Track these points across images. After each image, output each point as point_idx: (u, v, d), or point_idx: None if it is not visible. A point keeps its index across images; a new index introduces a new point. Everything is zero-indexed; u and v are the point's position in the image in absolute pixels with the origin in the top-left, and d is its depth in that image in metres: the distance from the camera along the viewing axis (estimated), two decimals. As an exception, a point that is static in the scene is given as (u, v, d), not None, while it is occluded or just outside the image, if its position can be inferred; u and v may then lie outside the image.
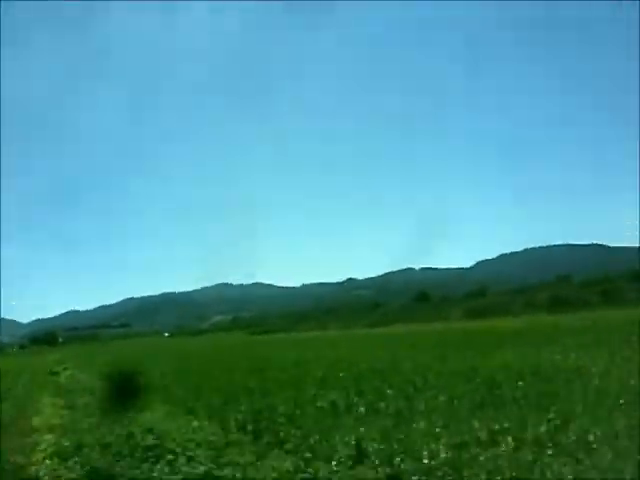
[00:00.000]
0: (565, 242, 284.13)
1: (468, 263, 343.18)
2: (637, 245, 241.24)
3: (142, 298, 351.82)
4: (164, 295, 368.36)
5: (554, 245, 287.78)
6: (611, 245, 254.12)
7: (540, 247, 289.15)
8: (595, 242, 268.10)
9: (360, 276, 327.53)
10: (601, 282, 74.75)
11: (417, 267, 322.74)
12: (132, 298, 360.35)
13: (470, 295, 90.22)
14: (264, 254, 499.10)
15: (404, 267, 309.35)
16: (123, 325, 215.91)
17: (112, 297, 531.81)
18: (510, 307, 71.63)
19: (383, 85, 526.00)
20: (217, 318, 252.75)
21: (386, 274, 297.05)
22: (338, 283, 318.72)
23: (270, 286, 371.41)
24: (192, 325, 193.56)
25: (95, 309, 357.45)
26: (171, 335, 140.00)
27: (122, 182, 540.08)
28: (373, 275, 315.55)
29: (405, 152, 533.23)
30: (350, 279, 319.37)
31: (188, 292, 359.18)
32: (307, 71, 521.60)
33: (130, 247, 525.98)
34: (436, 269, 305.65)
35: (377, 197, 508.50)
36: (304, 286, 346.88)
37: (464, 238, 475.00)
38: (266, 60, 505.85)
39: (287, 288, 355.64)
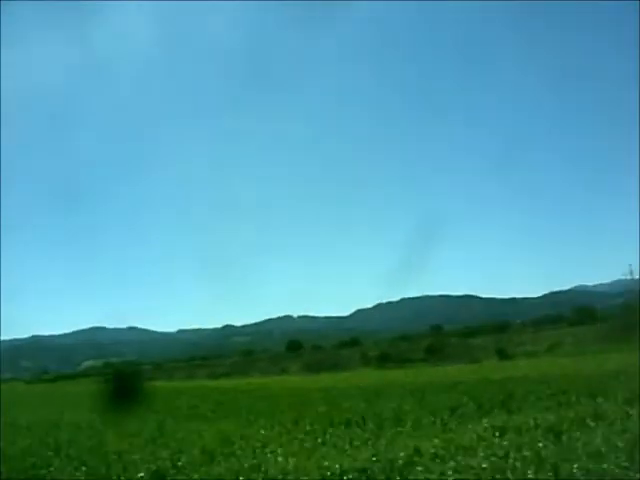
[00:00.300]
0: (439, 293, 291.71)
1: (346, 312, 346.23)
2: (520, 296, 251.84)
3: (9, 341, 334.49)
4: (33, 338, 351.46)
5: (428, 295, 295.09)
6: (482, 296, 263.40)
7: (416, 297, 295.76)
8: (469, 293, 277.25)
9: (238, 323, 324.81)
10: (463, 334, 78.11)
11: (295, 315, 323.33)
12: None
13: (342, 344, 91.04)
14: (141, 298, 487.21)
15: (282, 314, 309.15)
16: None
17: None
18: (349, 361, 73.71)
19: (383, 84, 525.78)
20: (88, 363, 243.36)
21: (264, 321, 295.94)
22: (216, 329, 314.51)
23: (146, 331, 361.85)
24: (59, 371, 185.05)
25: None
26: (29, 382, 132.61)
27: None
28: (251, 322, 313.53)
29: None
30: (228, 325, 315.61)
31: (58, 335, 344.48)
32: (307, 71, 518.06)
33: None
34: (314, 317, 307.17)
35: (264, 242, 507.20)
36: (180, 331, 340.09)
37: (343, 287, 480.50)
38: (266, 60, 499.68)
39: (163, 333, 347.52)
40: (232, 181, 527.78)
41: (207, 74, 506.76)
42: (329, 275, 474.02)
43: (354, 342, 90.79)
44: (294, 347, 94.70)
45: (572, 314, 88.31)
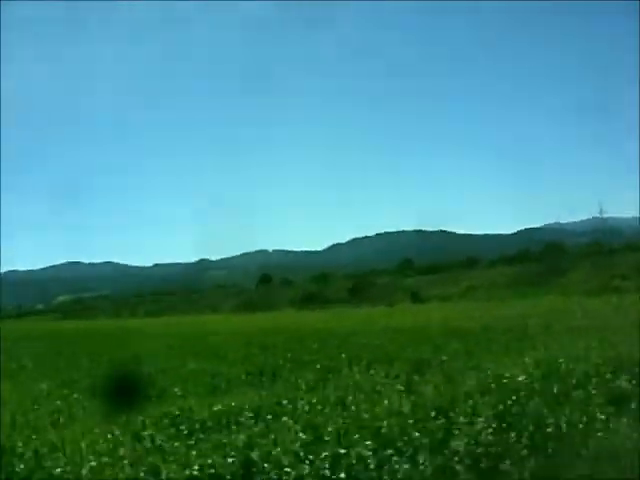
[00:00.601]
0: (415, 228, 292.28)
1: (321, 246, 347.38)
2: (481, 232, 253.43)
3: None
4: (10, 272, 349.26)
5: (403, 231, 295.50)
6: (458, 232, 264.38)
7: (391, 232, 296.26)
8: (444, 229, 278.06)
9: (214, 257, 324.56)
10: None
11: (270, 249, 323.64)
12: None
13: (312, 279, 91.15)
14: (117, 232, 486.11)
15: (258, 249, 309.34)
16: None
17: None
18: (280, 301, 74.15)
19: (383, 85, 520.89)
20: (61, 299, 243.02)
21: (240, 255, 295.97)
22: (192, 263, 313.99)
23: (121, 265, 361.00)
24: (30, 306, 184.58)
25: None
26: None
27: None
28: (227, 256, 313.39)
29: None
30: (203, 259, 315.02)
31: (35, 270, 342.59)
32: (307, 71, 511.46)
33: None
34: (289, 251, 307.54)
35: (243, 179, 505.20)
36: (156, 266, 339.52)
37: (319, 221, 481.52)
38: (266, 60, 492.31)
39: (139, 267, 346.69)
40: (216, 114, 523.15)
41: (207, 74, 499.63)
42: (305, 209, 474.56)
43: (323, 277, 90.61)
44: (265, 281, 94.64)
45: (541, 251, 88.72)
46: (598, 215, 76.83)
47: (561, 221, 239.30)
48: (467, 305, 45.05)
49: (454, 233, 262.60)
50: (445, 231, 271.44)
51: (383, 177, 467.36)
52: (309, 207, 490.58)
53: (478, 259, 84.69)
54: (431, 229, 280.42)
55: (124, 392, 12.83)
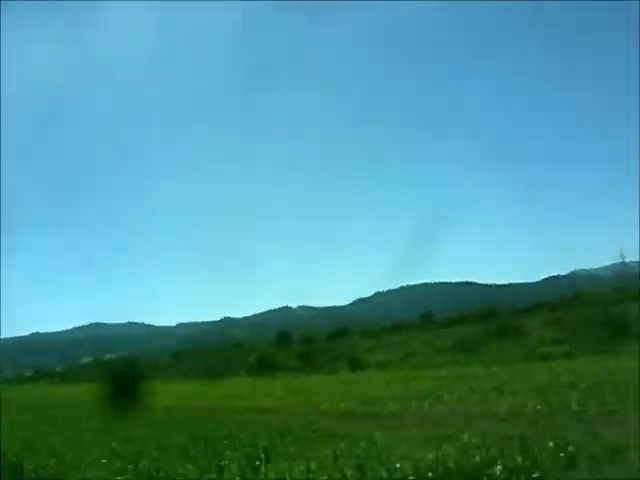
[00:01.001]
0: (439, 280, 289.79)
1: (345, 301, 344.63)
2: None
3: (9, 339, 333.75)
4: (33, 335, 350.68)
5: (426, 283, 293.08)
6: (481, 282, 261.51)
7: (414, 285, 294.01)
8: (468, 280, 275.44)
9: (237, 315, 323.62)
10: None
11: (295, 305, 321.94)
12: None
13: (332, 335, 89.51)
14: (139, 292, 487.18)
15: (281, 305, 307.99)
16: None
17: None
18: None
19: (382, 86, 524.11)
20: (86, 360, 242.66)
21: (263, 313, 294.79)
22: (215, 322, 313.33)
23: (145, 325, 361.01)
24: (54, 368, 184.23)
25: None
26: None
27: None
28: (250, 314, 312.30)
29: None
30: (227, 317, 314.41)
31: (58, 332, 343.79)
32: (306, 71, 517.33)
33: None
34: (313, 307, 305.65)
35: (256, 233, 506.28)
36: (180, 325, 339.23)
37: (341, 276, 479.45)
38: (266, 60, 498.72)
39: (162, 327, 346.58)
40: (230, 173, 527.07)
41: (206, 73, 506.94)
42: (328, 265, 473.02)
43: (344, 332, 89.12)
44: (284, 339, 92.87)
45: (561, 300, 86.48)
46: (618, 260, 74.74)
47: (588, 267, 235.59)
48: (387, 376, 40.44)
49: (478, 284, 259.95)
50: (469, 282, 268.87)
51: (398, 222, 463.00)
52: (330, 260, 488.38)
53: (499, 308, 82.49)
54: (455, 280, 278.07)
55: None
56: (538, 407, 17.23)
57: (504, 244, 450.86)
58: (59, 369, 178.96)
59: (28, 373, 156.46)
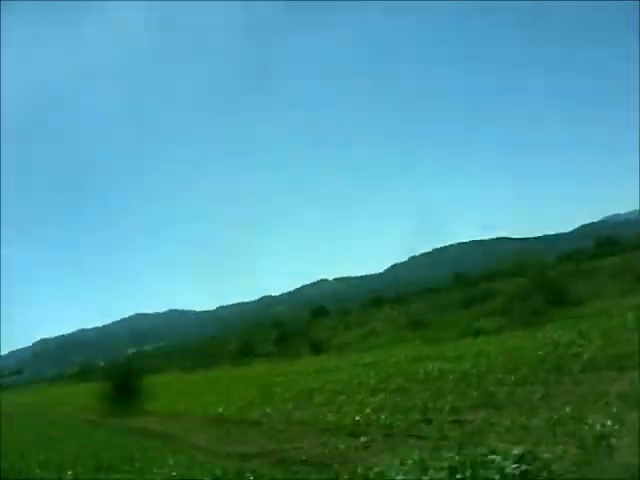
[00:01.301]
0: (471, 239, 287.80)
1: (380, 268, 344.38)
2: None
3: (55, 339, 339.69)
4: (80, 332, 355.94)
5: (460, 243, 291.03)
6: (514, 237, 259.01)
7: (448, 245, 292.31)
8: (501, 235, 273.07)
9: (276, 292, 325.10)
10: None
11: (331, 278, 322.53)
12: (45, 339, 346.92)
13: (368, 304, 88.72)
14: (177, 279, 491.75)
15: (318, 279, 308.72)
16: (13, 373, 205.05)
17: (22, 340, 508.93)
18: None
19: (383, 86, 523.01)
20: (132, 351, 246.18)
21: (301, 287, 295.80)
22: (254, 301, 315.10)
23: (185, 312, 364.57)
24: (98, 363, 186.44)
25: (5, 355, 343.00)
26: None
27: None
28: (289, 289, 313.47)
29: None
30: (266, 296, 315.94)
31: (102, 327, 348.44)
32: (306, 71, 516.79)
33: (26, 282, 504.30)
34: (349, 278, 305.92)
35: (285, 211, 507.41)
36: (220, 308, 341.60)
37: (376, 244, 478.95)
38: (266, 60, 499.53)
39: (203, 312, 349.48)
40: (243, 164, 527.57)
41: (206, 66, 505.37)
42: (361, 233, 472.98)
43: (379, 301, 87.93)
44: (319, 314, 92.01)
45: (595, 247, 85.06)
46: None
47: (620, 212, 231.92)
48: (333, 361, 36.62)
49: (510, 238, 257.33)
50: (502, 237, 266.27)
51: (424, 187, 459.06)
52: (363, 229, 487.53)
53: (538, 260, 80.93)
54: (488, 237, 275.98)
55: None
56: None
57: (534, 197, 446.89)
58: (102, 364, 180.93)
59: (72, 371, 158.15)
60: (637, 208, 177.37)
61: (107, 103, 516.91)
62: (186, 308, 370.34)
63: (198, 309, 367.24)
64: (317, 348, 52.80)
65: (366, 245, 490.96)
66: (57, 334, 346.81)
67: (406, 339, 42.08)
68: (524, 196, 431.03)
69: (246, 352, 63.95)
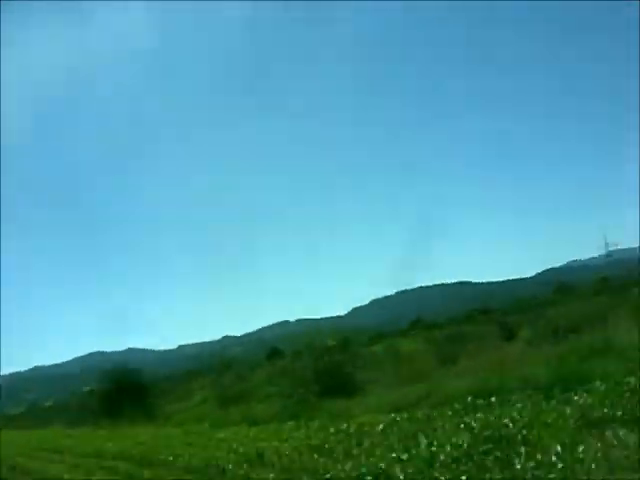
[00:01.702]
0: (434, 283, 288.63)
1: (343, 311, 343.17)
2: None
3: (10, 375, 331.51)
4: (35, 369, 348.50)
5: (421, 286, 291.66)
6: (476, 281, 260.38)
7: (410, 289, 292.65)
8: (463, 280, 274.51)
9: (237, 332, 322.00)
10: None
11: (292, 319, 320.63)
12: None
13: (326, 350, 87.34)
14: (137, 317, 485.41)
15: (279, 320, 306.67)
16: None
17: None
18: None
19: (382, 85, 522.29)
20: (87, 389, 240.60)
21: (261, 329, 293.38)
22: (216, 341, 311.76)
23: (145, 350, 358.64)
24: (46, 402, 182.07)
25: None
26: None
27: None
28: (250, 330, 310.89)
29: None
30: (226, 336, 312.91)
31: (59, 364, 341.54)
32: (306, 71, 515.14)
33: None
34: (311, 320, 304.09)
35: (253, 247, 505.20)
36: (180, 347, 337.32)
37: (338, 286, 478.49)
38: (266, 59, 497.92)
39: (163, 351, 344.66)
40: (222, 189, 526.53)
41: (206, 72, 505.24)
42: (323, 276, 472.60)
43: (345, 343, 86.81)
44: (274, 356, 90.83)
45: (554, 293, 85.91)
46: (602, 251, 73.74)
47: (582, 257, 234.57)
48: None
49: (473, 283, 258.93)
50: (464, 282, 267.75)
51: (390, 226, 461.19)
52: (326, 272, 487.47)
53: (488, 308, 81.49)
54: (451, 281, 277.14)
55: None
56: None
57: (497, 243, 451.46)
58: (48, 404, 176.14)
59: (21, 409, 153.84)
60: (598, 254, 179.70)
61: (107, 103, 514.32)
62: (147, 347, 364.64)
63: (158, 348, 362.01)
64: (149, 414, 40.77)
65: (329, 287, 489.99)
66: (12, 371, 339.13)
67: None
68: (488, 241, 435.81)
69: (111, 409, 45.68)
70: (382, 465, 10.49)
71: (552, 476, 7.95)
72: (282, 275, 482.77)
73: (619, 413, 10.29)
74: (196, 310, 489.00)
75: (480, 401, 15.50)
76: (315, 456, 13.06)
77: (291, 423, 21.49)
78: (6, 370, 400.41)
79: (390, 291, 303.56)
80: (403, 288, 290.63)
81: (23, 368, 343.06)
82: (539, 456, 8.75)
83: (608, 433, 9.17)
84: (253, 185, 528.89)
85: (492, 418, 12.71)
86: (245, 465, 13.69)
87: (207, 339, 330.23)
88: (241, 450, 16.07)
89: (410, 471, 9.78)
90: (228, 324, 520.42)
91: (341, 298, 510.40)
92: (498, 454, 9.47)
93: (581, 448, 8.65)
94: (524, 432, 10.49)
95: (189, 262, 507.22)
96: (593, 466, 7.89)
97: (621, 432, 9.10)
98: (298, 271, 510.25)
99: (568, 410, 11.50)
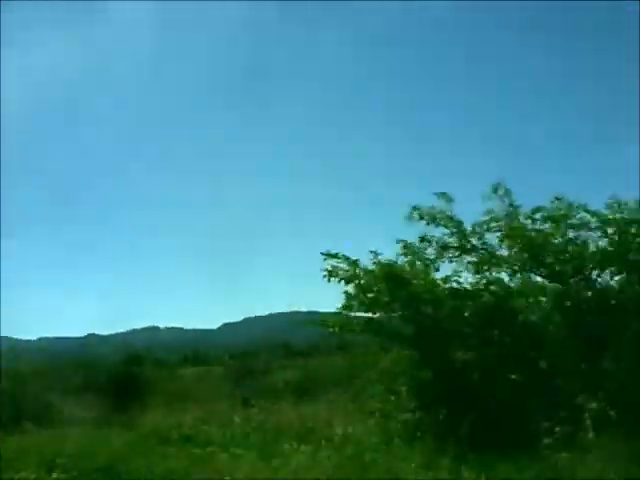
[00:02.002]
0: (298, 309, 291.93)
1: (215, 324, 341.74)
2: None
3: None
4: None
5: (297, 311, 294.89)
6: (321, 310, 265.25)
7: (285, 312, 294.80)
8: (314, 309, 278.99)
9: (105, 331, 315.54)
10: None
11: (162, 326, 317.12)
12: None
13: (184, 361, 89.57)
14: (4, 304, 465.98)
15: (149, 325, 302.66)
16: None
17: None
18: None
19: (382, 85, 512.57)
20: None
21: (129, 332, 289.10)
22: (79, 338, 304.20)
23: (8, 339, 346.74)
24: None
25: None
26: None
27: None
28: (120, 331, 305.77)
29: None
30: (92, 334, 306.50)
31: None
32: (307, 71, 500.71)
33: None
34: (181, 329, 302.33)
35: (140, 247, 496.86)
36: (41, 339, 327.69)
37: (211, 299, 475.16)
38: (266, 59, 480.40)
39: (23, 341, 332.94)
40: (222, 190, 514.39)
41: (206, 73, 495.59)
42: (200, 287, 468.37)
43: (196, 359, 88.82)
44: (132, 364, 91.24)
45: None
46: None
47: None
48: None
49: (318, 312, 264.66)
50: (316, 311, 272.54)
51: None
52: (202, 282, 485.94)
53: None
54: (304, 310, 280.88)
55: None
56: None
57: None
58: None
59: None
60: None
61: (108, 103, 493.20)
62: (10, 335, 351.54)
63: (19, 336, 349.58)
64: None
65: (202, 300, 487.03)
66: None
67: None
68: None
69: None
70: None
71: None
72: (157, 278, 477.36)
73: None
74: (59, 303, 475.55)
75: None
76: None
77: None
78: None
79: (263, 312, 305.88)
80: (275, 311, 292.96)
81: None
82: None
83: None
84: (253, 186, 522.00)
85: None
86: None
87: (71, 334, 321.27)
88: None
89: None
90: (94, 322, 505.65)
91: (214, 312, 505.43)
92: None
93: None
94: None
95: (62, 253, 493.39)
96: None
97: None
98: (177, 277, 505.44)
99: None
